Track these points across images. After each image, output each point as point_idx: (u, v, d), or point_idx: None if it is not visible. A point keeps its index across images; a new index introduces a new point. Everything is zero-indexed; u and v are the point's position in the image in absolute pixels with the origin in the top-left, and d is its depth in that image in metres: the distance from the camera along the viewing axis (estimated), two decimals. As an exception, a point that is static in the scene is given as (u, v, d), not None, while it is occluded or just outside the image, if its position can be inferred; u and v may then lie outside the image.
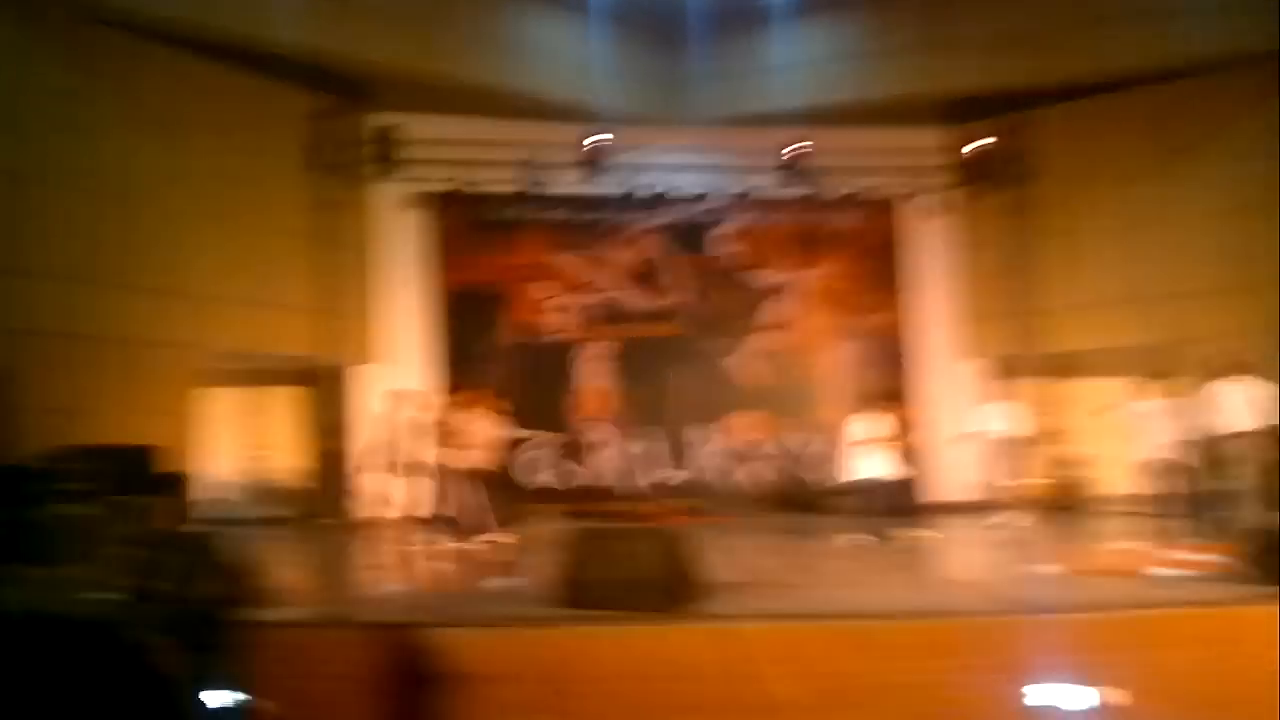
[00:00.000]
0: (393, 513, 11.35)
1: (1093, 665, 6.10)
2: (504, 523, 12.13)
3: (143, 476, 10.12)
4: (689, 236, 15.51)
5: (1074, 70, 13.62)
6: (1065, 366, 15.45)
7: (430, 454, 11.27)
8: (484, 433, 12.10)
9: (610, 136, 14.13)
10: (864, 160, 14.95)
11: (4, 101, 10.51)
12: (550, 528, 12.40)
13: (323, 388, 13.92)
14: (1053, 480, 14.09)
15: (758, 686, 6.11)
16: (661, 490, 14.83)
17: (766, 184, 15.00)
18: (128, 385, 11.31)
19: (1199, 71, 13.24)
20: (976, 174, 15.04)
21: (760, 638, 6.28)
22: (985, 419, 13.10)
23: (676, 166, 15.02)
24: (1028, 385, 14.38)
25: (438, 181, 14.46)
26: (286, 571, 10.12)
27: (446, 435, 11.34)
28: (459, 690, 6.00)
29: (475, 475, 11.72)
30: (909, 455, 14.97)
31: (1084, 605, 6.64)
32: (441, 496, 11.22)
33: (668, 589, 6.54)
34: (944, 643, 6.26)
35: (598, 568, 6.71)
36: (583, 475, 14.83)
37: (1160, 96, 13.81)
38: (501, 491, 12.44)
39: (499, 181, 14.58)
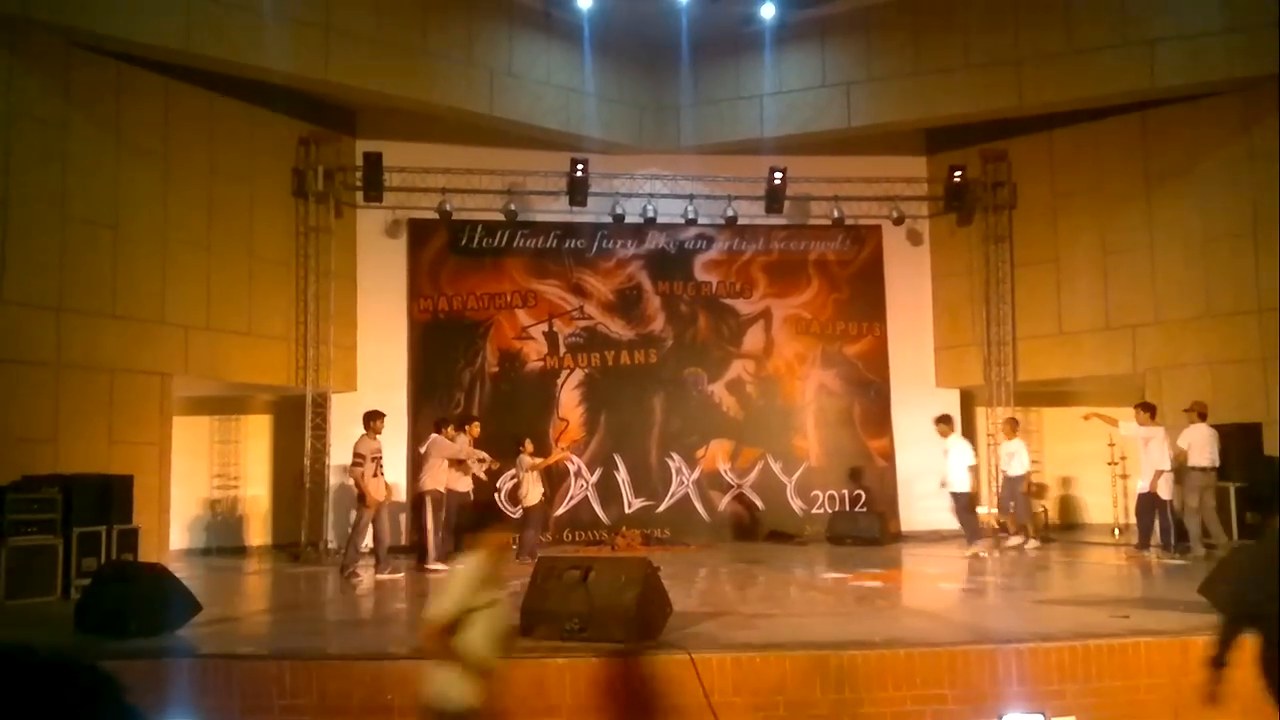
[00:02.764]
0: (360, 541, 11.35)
1: (1051, 695, 6.14)
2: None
3: (109, 506, 10.16)
4: (672, 263, 15.57)
5: (1055, 99, 13.70)
6: (1045, 394, 15.55)
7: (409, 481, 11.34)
8: (463, 460, 12.24)
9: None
10: (847, 188, 15.11)
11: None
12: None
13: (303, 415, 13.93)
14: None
15: (718, 717, 6.13)
16: (635, 518, 14.82)
17: (750, 211, 15.12)
18: (107, 413, 11.33)
19: (1179, 99, 13.34)
20: (958, 201, 15.19)
21: (721, 668, 6.30)
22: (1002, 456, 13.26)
23: (661, 194, 15.10)
24: (1006, 412, 14.46)
25: (422, 208, 14.56)
26: (252, 601, 10.20)
27: (423, 462, 11.40)
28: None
29: (450, 501, 11.81)
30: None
31: (1042, 635, 6.67)
32: (413, 524, 11.28)
33: (631, 619, 6.54)
34: (904, 672, 6.29)
35: (558, 598, 6.73)
36: (559, 502, 14.80)
37: (1141, 124, 13.91)
38: (476, 518, 12.54)
39: (484, 208, 14.72)
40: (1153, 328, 13.72)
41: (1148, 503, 11.99)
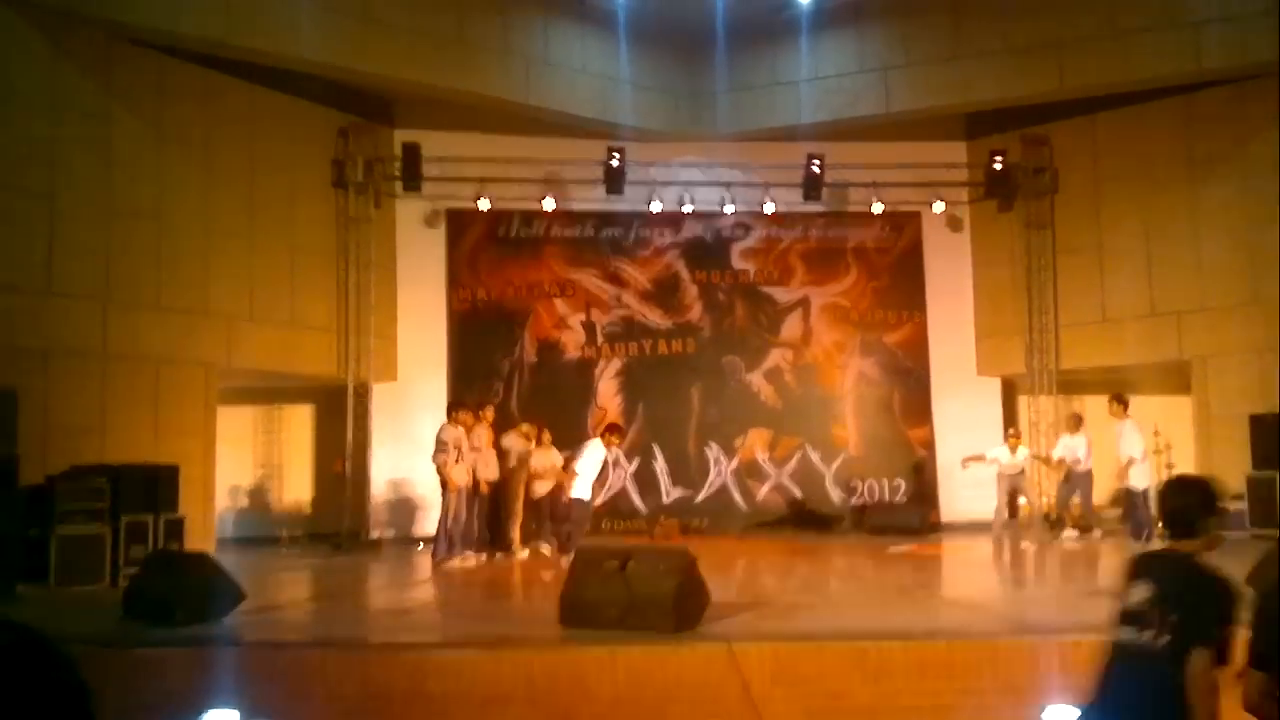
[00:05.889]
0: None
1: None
2: (513, 540, 12.30)
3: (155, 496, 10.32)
4: (710, 252, 15.52)
5: (1097, 82, 13.49)
6: (1089, 383, 15.35)
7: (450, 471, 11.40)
8: (506, 449, 12.30)
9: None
10: (886, 174, 14.96)
11: (34, 122, 10.73)
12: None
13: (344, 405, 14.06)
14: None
15: (757, 708, 6.13)
16: (674, 508, 14.83)
17: (788, 199, 15.02)
18: (152, 404, 11.49)
19: (1224, 81, 13.10)
20: (999, 187, 15.01)
21: (760, 658, 6.29)
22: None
23: (698, 181, 15.05)
24: (1047, 400, 14.31)
25: (461, 198, 14.60)
26: (296, 590, 10.31)
27: (463, 452, 11.46)
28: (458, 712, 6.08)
29: (489, 491, 11.87)
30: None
31: (1085, 626, 6.59)
32: (453, 514, 11.35)
33: (669, 609, 6.55)
34: (943, 664, 6.25)
35: (597, 588, 6.75)
36: (596, 493, 14.81)
37: (1185, 107, 13.69)
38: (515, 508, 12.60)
39: (522, 197, 14.73)
40: (1198, 314, 13.52)
41: (1127, 495, 11.93)
